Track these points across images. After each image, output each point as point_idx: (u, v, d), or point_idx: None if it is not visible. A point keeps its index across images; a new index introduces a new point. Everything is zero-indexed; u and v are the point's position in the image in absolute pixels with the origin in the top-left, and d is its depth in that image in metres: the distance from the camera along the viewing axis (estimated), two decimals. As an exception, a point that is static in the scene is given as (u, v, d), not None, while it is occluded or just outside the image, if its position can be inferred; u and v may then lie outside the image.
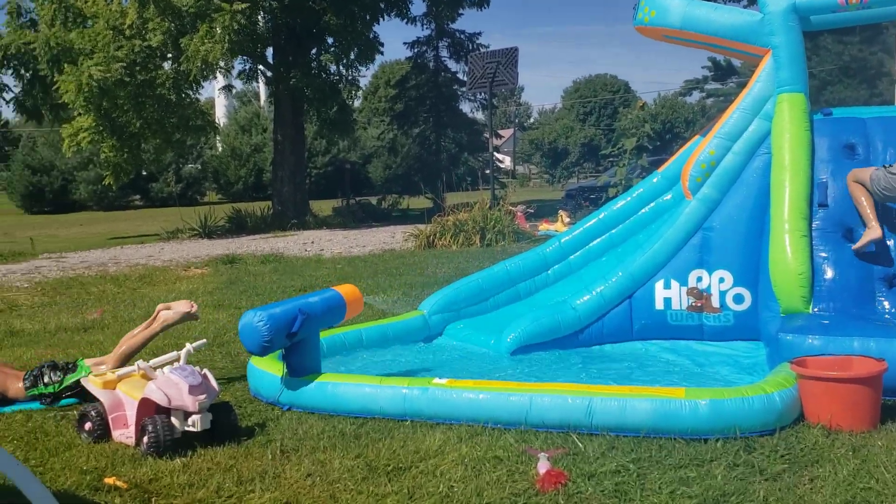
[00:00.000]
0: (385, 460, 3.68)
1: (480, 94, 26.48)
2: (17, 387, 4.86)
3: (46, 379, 4.85)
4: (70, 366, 4.97)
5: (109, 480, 3.54)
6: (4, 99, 20.39)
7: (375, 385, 4.37)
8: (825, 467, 3.43)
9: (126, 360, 4.95)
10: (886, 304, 4.91)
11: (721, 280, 5.49)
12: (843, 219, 5.22)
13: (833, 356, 4.22)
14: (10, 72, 19.57)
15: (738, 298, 5.45)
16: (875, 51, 25.95)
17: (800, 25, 5.49)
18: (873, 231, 4.97)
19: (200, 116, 19.95)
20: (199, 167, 42.49)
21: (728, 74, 34.33)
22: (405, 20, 24.05)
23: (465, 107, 31.29)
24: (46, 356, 6.01)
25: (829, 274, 5.06)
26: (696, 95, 50.02)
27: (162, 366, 4.27)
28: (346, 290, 5.00)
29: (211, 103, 42.84)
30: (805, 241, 5.08)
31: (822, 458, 3.54)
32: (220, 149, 42.73)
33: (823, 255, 5.12)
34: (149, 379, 4.14)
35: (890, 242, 5.06)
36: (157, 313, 5.18)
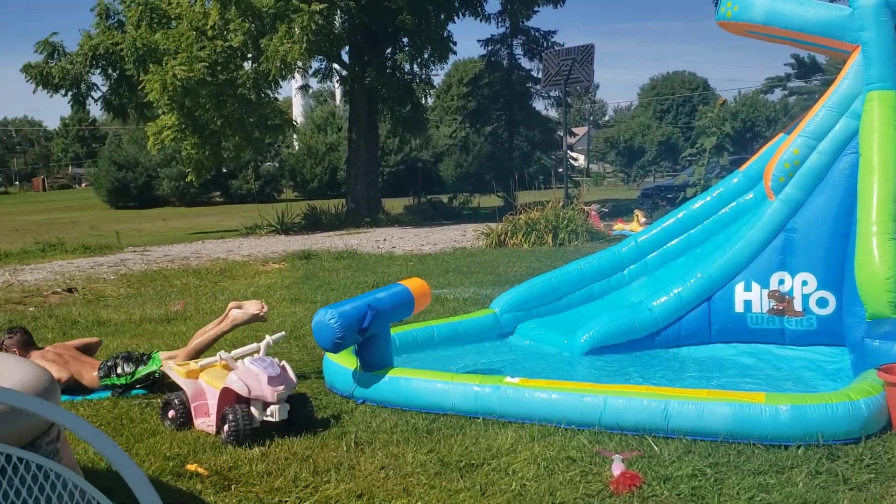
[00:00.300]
0: (457, 456, 3.70)
1: (554, 91, 26.29)
2: (91, 375, 5.06)
3: (119, 370, 5.03)
4: (144, 357, 5.14)
5: (191, 467, 3.66)
6: (93, 97, 21.24)
7: (447, 381, 4.40)
8: (915, 479, 3.30)
9: (197, 354, 5.09)
10: (982, 311, 4.68)
11: (804, 283, 5.33)
12: (935, 221, 4.99)
13: (924, 364, 4.04)
14: (98, 71, 20.41)
15: (822, 302, 5.27)
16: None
17: (892, 20, 5.26)
18: None
19: (278, 115, 20.39)
20: (277, 165, 43.44)
21: (812, 71, 33.15)
22: (479, 18, 24.08)
23: (539, 104, 31.18)
24: (132, 346, 6.25)
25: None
26: (778, 93, 48.48)
27: (242, 357, 4.39)
28: (413, 284, 5.05)
29: (288, 102, 43.77)
30: (893, 245, 4.87)
31: (912, 469, 3.40)
32: (296, 147, 43.60)
33: (913, 258, 4.90)
34: (230, 369, 4.26)
35: None
36: (229, 311, 5.31)
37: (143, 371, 5.04)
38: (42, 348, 5.26)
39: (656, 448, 3.72)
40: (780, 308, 5.37)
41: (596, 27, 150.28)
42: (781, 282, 5.38)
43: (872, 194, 5.02)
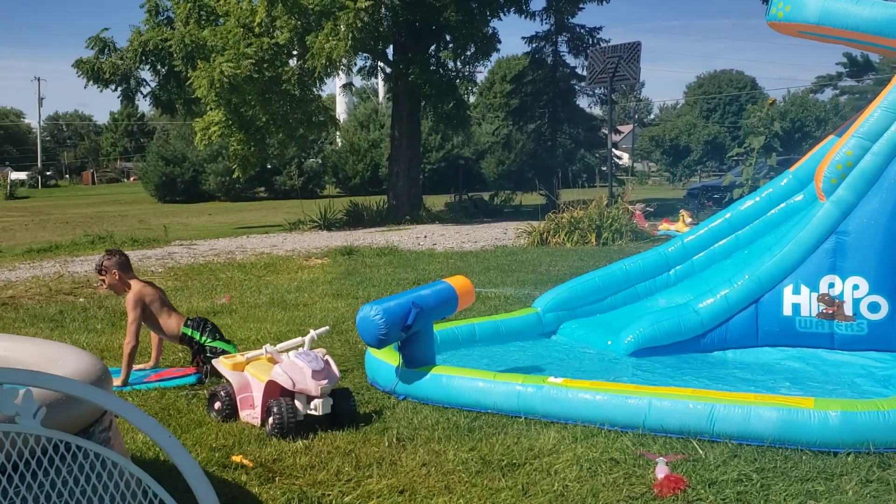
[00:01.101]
0: (499, 455, 3.70)
1: (599, 89, 26.06)
2: (174, 323, 5.38)
3: (205, 331, 5.34)
4: (226, 340, 5.45)
5: (236, 458, 3.72)
6: (142, 93, 21.66)
7: (489, 380, 4.39)
8: (971, 491, 3.20)
9: None
10: None
11: (855, 287, 5.20)
12: None
13: (982, 373, 3.93)
14: (147, 67, 20.79)
15: (874, 307, 5.15)
16: None
17: (952, 18, 5.12)
18: None
19: (322, 112, 20.56)
20: (320, 161, 43.83)
21: (864, 70, 32.38)
22: (524, 15, 23.97)
23: (583, 102, 30.93)
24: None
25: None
26: (829, 92, 47.54)
27: (287, 350, 4.44)
28: (457, 282, 5.05)
29: (332, 99, 44.11)
30: (951, 248, 4.75)
31: (967, 480, 3.31)
32: (339, 144, 43.92)
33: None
34: (275, 362, 4.31)
35: None
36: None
37: (220, 344, 5.29)
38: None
39: (701, 452, 3.67)
40: (830, 312, 5.26)
41: (642, 24, 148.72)
42: (831, 285, 5.27)
43: (928, 197, 4.89)
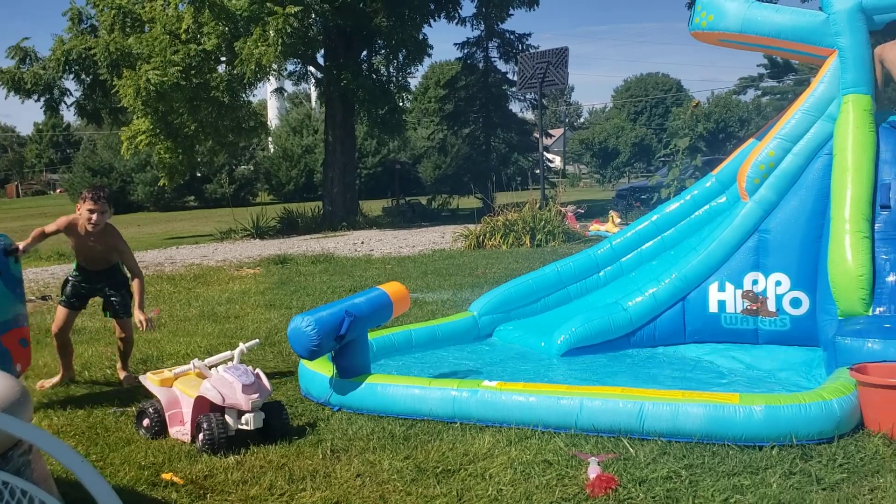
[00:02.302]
0: (434, 462, 3.69)
1: (530, 94, 26.37)
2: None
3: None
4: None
5: (166, 476, 3.62)
6: (66, 103, 21.00)
7: (424, 387, 4.39)
8: (886, 478, 3.33)
9: None
10: (950, 306, 4.75)
11: (778, 283, 5.37)
12: (905, 221, 5.06)
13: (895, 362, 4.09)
14: (71, 76, 20.16)
15: (796, 302, 5.33)
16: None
17: (866, 25, 5.33)
18: None
19: (253, 118, 20.28)
20: (252, 168, 43.25)
21: (785, 72, 33.50)
22: (455, 21, 24.08)
23: (515, 107, 31.16)
24: (107, 353, 6.19)
25: (891, 275, 4.91)
26: (751, 94, 49.09)
27: (216, 365, 4.35)
28: (391, 288, 5.03)
29: (263, 105, 43.56)
30: (866, 243, 4.94)
31: (883, 468, 3.44)
32: (271, 150, 43.40)
33: (885, 256, 4.97)
34: (204, 377, 4.22)
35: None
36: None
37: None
38: None
39: (632, 450, 3.73)
40: (754, 308, 5.42)
41: (570, 29, 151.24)
42: (755, 282, 5.43)
43: (846, 194, 5.09)
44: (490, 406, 4.20)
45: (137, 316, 5.23)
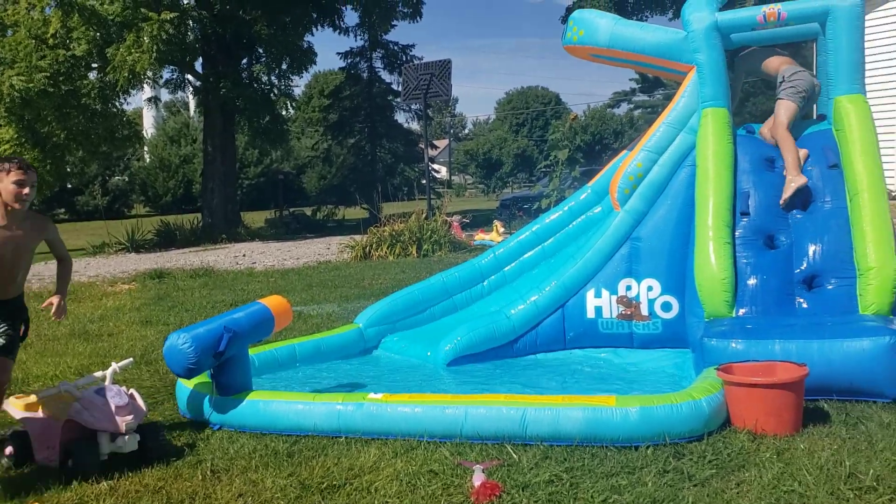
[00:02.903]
0: (318, 478, 3.64)
1: (415, 104, 26.55)
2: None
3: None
4: None
5: (31, 506, 3.42)
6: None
7: (308, 402, 4.32)
8: (751, 471, 3.53)
9: None
10: (805, 305, 5.10)
11: (649, 288, 5.61)
12: (763, 226, 5.40)
13: (758, 362, 4.35)
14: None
15: (666, 306, 5.58)
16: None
17: (722, 43, 5.67)
18: (799, 178, 5.33)
19: (127, 127, 19.49)
20: (126, 179, 41.58)
21: (655, 87, 35.25)
22: (338, 31, 23.97)
23: (400, 117, 31.35)
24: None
25: (751, 278, 5.22)
26: (625, 107, 51.38)
27: (87, 386, 4.14)
28: (272, 302, 4.94)
29: (139, 114, 41.92)
30: (728, 248, 5.24)
31: (748, 462, 3.64)
32: (147, 160, 41.81)
33: (745, 260, 5.29)
34: (73, 400, 4.01)
35: (806, 246, 5.26)
36: None
37: None
38: None
39: (515, 456, 3.80)
40: (629, 313, 5.64)
41: (454, 42, 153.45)
42: (629, 288, 5.65)
43: (709, 203, 5.38)
44: (376, 418, 4.18)
45: (53, 300, 4.29)
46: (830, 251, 5.16)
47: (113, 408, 3.85)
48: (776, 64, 5.97)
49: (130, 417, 3.88)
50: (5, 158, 4.05)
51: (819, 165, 5.48)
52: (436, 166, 38.10)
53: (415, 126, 33.21)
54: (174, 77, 22.71)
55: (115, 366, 4.33)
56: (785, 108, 5.68)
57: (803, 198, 5.39)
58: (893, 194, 10.41)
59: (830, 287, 5.08)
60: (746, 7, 6.35)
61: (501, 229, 15.49)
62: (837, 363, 4.34)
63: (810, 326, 4.69)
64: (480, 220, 19.49)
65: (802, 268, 5.20)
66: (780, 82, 5.80)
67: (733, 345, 4.58)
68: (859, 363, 4.31)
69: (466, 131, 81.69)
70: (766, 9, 5.62)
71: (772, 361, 4.33)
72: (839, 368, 4.34)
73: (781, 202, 5.39)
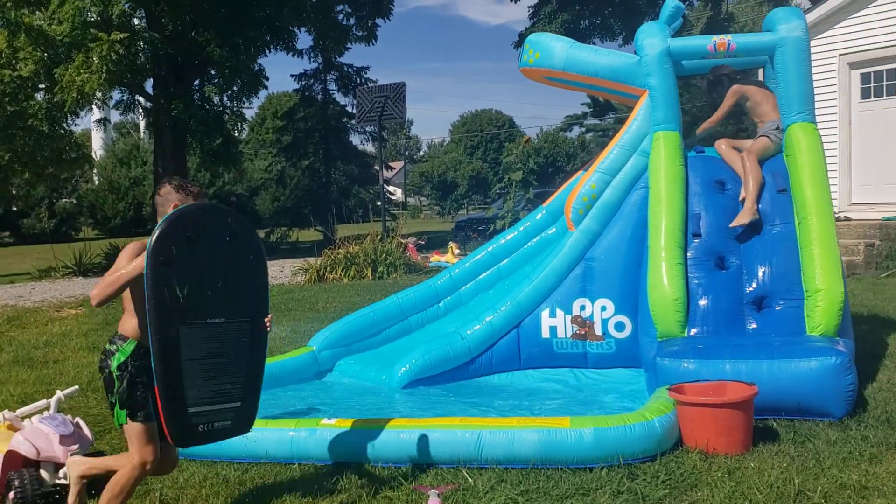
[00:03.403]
0: (271, 506, 3.57)
1: (370, 127, 26.56)
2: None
3: None
4: None
5: (-32, 544, 3.28)
6: None
7: (260, 428, 4.23)
8: (703, 491, 3.56)
9: None
10: (754, 325, 5.19)
11: (603, 308, 5.66)
12: (714, 247, 5.50)
13: (709, 382, 4.40)
14: None
15: (620, 326, 5.63)
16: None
17: (673, 69, 5.79)
18: (754, 216, 5.44)
19: (75, 149, 19.08)
20: (75, 201, 40.68)
21: (606, 111, 35.82)
22: (292, 53, 23.89)
23: (355, 139, 31.34)
24: None
25: (703, 299, 5.30)
26: (577, 130, 52.12)
27: (30, 415, 4.01)
28: None
29: (87, 135, 41.16)
30: (680, 269, 5.31)
31: (700, 482, 3.67)
32: (96, 182, 41.01)
33: (697, 281, 5.37)
34: (15, 430, 3.88)
35: (756, 267, 5.36)
36: None
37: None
38: None
39: (471, 480, 3.78)
40: (583, 332, 5.68)
41: (409, 65, 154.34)
42: (583, 307, 5.69)
43: (661, 224, 5.46)
44: (329, 445, 4.12)
45: None
46: (779, 273, 5.27)
47: (57, 437, 3.73)
48: (770, 107, 5.90)
49: (76, 447, 3.77)
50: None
51: (769, 190, 5.61)
52: (391, 188, 38.16)
53: (370, 148, 33.23)
54: (124, 98, 22.37)
55: (60, 394, 4.20)
56: (764, 145, 5.77)
57: (754, 221, 5.50)
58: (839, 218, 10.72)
59: (779, 308, 5.18)
60: (697, 36, 6.48)
61: (457, 251, 15.51)
62: (786, 383, 4.42)
63: (760, 346, 4.77)
64: (436, 242, 19.51)
65: (752, 288, 5.30)
66: (775, 128, 5.82)
67: (685, 364, 4.63)
68: (807, 383, 4.40)
69: (421, 153, 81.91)
70: (717, 39, 5.77)
71: (722, 381, 4.39)
72: (788, 388, 4.41)
73: (731, 225, 5.49)
